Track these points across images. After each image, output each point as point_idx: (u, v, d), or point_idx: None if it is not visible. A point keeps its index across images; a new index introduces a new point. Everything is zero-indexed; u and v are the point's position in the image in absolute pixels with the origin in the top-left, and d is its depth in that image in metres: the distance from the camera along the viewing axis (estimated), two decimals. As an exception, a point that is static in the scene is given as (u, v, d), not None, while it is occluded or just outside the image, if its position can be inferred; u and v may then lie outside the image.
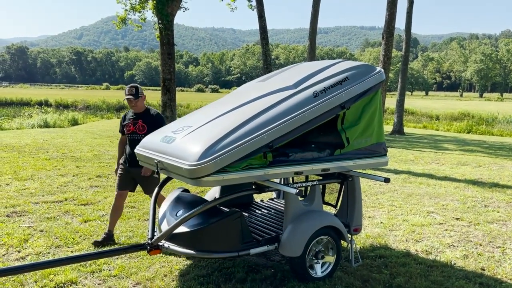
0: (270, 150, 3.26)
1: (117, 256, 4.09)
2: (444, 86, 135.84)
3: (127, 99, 4.41)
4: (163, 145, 3.42)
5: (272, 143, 3.24)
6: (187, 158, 3.06)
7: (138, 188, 6.81)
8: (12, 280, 3.60)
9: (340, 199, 4.29)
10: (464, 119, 26.96)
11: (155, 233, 3.69)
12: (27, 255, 4.17)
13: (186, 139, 3.27)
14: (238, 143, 3.11)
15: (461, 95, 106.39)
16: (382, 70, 3.95)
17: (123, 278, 3.74)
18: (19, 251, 4.26)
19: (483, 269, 4.13)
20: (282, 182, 4.58)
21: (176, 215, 3.68)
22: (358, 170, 4.01)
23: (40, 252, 4.25)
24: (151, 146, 3.61)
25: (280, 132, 3.28)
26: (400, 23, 25.80)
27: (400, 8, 13.58)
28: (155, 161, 3.43)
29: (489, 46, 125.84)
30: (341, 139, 3.76)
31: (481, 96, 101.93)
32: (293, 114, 3.37)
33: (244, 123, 3.26)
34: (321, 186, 4.26)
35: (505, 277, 3.97)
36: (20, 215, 5.35)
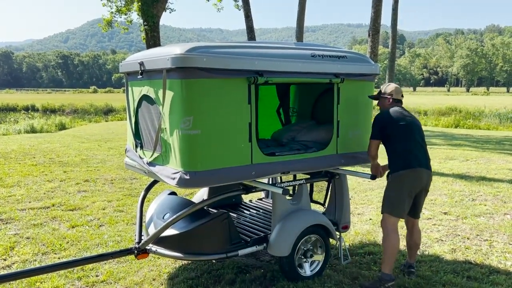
0: (258, 76, 3.19)
1: (105, 261, 4.05)
2: (431, 81, 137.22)
3: None
4: None
5: (263, 72, 3.21)
6: (173, 50, 3.01)
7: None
8: (-2, 289, 3.54)
9: (328, 197, 4.30)
10: (451, 114, 27.18)
11: (143, 237, 3.66)
12: (13, 263, 4.11)
13: None
14: (229, 53, 3.10)
15: (448, 90, 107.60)
16: (378, 65, 4.05)
17: (111, 283, 3.71)
18: (5, 259, 4.20)
19: (470, 263, 4.17)
20: (269, 182, 4.58)
21: (163, 218, 3.65)
22: (345, 168, 4.03)
23: (27, 260, 4.19)
24: None
25: (271, 65, 3.26)
26: (386, 20, 25.97)
27: (385, 5, 13.68)
28: None
29: (474, 41, 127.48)
30: (333, 131, 3.80)
31: (468, 90, 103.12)
32: (288, 59, 3.40)
33: (237, 47, 3.27)
34: (308, 184, 4.26)
35: (493, 270, 4.00)
36: (6, 223, 5.27)
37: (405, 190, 3.55)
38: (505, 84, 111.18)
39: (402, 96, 3.85)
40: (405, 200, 3.56)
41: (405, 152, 3.58)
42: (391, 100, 3.80)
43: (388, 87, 3.85)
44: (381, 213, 3.66)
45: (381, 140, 3.69)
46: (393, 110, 3.70)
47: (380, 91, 3.89)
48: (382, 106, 3.86)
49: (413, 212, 3.75)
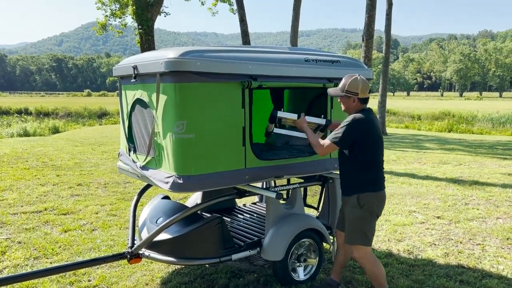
0: (252, 80, 3.18)
1: (97, 266, 4.02)
2: (425, 86, 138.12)
3: None
4: None
5: (256, 76, 3.20)
6: (167, 54, 3.01)
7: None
8: (-12, 294, 3.50)
9: (322, 201, 4.30)
10: (445, 118, 27.34)
11: (136, 241, 3.64)
12: (5, 268, 4.07)
13: None
14: (223, 58, 3.09)
15: (442, 95, 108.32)
16: (371, 70, 4.06)
17: (103, 288, 3.68)
18: (-4, 264, 4.16)
19: (463, 267, 4.18)
20: (263, 186, 4.57)
21: (156, 222, 3.64)
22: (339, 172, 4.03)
23: (18, 265, 4.15)
24: None
25: (264, 69, 3.27)
26: (380, 25, 26.10)
27: (379, 10, 13.75)
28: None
29: (467, 46, 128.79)
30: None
31: (461, 95, 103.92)
32: (282, 63, 3.40)
33: (231, 51, 3.27)
34: (302, 188, 4.27)
35: (485, 274, 4.02)
36: (-2, 227, 5.22)
37: (375, 216, 3.20)
38: (497, 89, 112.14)
39: (370, 91, 3.21)
40: (375, 224, 3.25)
41: (377, 173, 3.18)
42: (356, 100, 3.16)
43: (352, 82, 3.12)
44: (353, 244, 3.20)
45: (347, 149, 3.16)
46: (372, 118, 3.14)
47: (344, 86, 3.15)
48: (347, 107, 3.23)
49: None
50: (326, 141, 3.16)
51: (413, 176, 8.61)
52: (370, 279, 3.31)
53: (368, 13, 13.84)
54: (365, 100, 3.20)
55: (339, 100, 3.29)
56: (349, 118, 3.12)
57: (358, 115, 3.11)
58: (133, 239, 3.62)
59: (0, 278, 3.14)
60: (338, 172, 3.97)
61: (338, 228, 3.52)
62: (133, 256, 3.42)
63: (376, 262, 3.24)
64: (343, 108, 3.28)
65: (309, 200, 4.86)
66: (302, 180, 4.04)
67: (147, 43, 13.89)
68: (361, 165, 3.15)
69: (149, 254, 3.41)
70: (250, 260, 4.21)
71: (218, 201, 3.52)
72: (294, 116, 3.37)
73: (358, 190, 3.16)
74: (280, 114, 3.36)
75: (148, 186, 4.12)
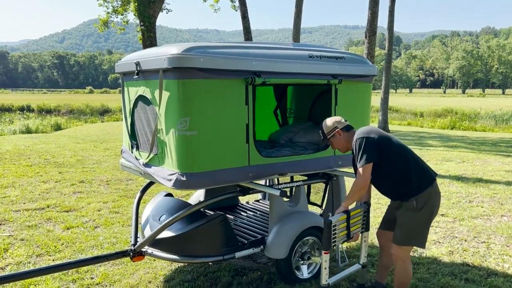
0: (256, 77, 3.15)
1: (100, 264, 4.00)
2: (427, 83, 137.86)
3: None
4: None
5: (260, 73, 3.18)
6: (170, 50, 2.97)
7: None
8: (-9, 292, 3.50)
9: (325, 198, 4.27)
10: (447, 115, 27.26)
11: (138, 239, 3.62)
12: (7, 265, 4.06)
13: None
14: (226, 54, 3.05)
15: (444, 92, 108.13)
16: (376, 67, 4.01)
17: (106, 286, 3.66)
18: (-2, 262, 4.15)
19: (468, 265, 4.15)
20: (267, 183, 4.55)
21: (159, 220, 3.62)
22: (342, 169, 4.00)
23: (21, 262, 4.14)
24: None
25: (268, 66, 3.23)
26: (383, 21, 26.00)
27: (382, 6, 13.65)
28: None
29: (470, 43, 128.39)
30: None
31: (463, 92, 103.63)
32: (286, 59, 3.37)
33: (235, 47, 3.22)
34: (306, 186, 4.24)
35: (490, 272, 3.99)
36: (0, 224, 5.21)
37: (433, 215, 3.07)
38: (500, 86, 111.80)
39: (346, 120, 3.30)
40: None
41: (419, 167, 3.05)
42: (341, 132, 3.21)
43: (324, 125, 3.25)
44: (402, 245, 3.07)
45: (379, 164, 2.99)
46: (371, 129, 3.10)
47: (324, 134, 3.25)
48: (342, 145, 3.23)
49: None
50: (359, 171, 2.99)
51: (416, 173, 8.56)
52: (396, 280, 3.16)
53: (371, 10, 13.78)
54: (348, 127, 3.24)
55: (333, 148, 3.35)
56: (354, 138, 3.07)
57: (358, 130, 3.11)
58: (135, 237, 3.60)
59: (3, 275, 3.13)
60: (341, 170, 3.96)
61: (382, 228, 3.38)
62: (136, 254, 3.40)
63: (411, 264, 3.17)
64: (341, 150, 3.31)
65: (312, 198, 4.83)
66: (305, 178, 4.01)
67: (149, 40, 13.86)
68: (403, 171, 3.02)
69: (152, 252, 3.39)
70: (254, 258, 4.19)
71: (221, 198, 3.49)
72: (343, 215, 3.08)
73: (413, 194, 3.01)
74: (333, 218, 3.00)
75: (151, 183, 4.10)
